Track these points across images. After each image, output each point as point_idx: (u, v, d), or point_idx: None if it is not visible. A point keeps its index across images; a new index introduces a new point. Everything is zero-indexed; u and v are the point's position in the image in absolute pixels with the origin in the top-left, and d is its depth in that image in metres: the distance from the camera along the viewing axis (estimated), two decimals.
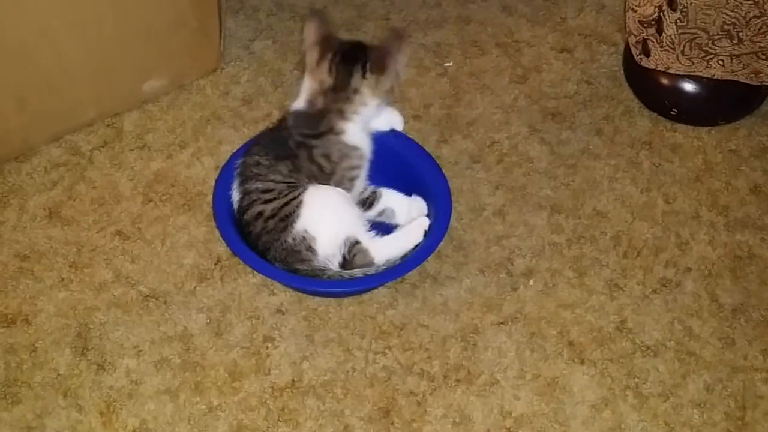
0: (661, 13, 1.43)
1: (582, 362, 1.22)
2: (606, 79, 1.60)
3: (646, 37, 1.47)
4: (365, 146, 1.30)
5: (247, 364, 1.21)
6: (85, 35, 1.36)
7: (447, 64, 1.61)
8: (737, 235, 1.37)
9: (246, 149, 1.30)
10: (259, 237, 1.23)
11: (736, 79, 1.46)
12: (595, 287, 1.31)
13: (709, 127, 1.52)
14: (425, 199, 1.31)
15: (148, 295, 1.27)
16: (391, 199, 1.32)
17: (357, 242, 1.23)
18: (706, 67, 1.45)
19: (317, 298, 1.27)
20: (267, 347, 1.23)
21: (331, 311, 1.26)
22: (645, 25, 1.46)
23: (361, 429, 1.15)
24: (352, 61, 1.27)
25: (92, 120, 1.47)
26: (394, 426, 1.16)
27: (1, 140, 1.40)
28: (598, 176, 1.45)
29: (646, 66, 1.50)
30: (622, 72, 1.59)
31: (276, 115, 1.47)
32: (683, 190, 1.43)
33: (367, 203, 1.32)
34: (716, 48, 1.42)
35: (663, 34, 1.44)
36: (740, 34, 1.39)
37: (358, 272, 1.23)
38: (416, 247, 1.25)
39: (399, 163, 1.34)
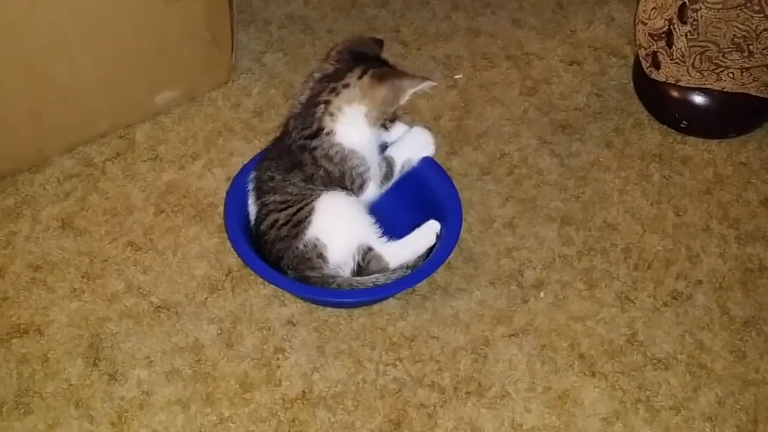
0: (672, 26, 1.43)
1: (593, 375, 1.22)
2: (616, 91, 1.60)
3: (656, 49, 1.47)
4: (365, 150, 1.27)
5: (257, 376, 1.21)
6: (98, 48, 1.37)
7: (457, 77, 1.62)
8: (748, 248, 1.37)
9: (255, 163, 1.30)
10: (273, 245, 1.23)
11: (746, 91, 1.46)
12: (605, 300, 1.31)
13: (720, 140, 1.52)
14: (436, 211, 1.31)
15: (159, 306, 1.28)
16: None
17: (370, 249, 1.24)
18: (717, 79, 1.45)
19: (328, 310, 1.28)
20: (278, 358, 1.23)
21: (342, 323, 1.27)
22: (655, 37, 1.46)
23: None
24: (359, 59, 1.27)
25: (105, 131, 1.48)
26: None
27: (15, 151, 1.41)
28: (609, 188, 1.45)
29: (656, 78, 1.50)
30: (632, 84, 1.59)
31: None
32: (693, 203, 1.43)
33: (388, 175, 1.31)
34: (727, 61, 1.42)
35: (673, 47, 1.44)
36: (751, 47, 1.40)
37: (368, 281, 1.23)
38: (430, 250, 1.25)
39: (409, 175, 1.34)
